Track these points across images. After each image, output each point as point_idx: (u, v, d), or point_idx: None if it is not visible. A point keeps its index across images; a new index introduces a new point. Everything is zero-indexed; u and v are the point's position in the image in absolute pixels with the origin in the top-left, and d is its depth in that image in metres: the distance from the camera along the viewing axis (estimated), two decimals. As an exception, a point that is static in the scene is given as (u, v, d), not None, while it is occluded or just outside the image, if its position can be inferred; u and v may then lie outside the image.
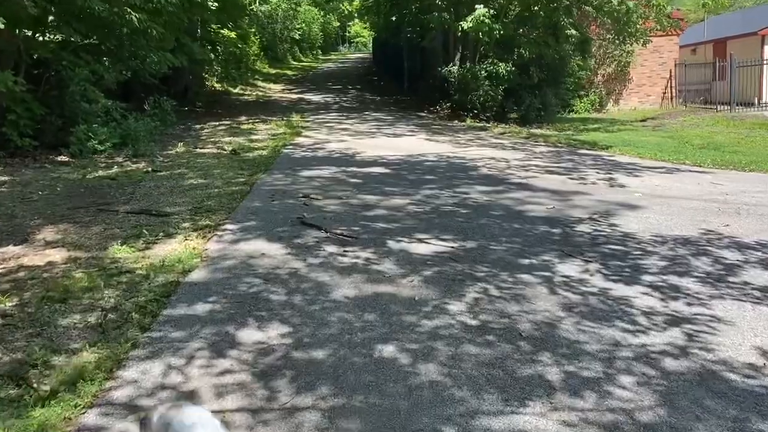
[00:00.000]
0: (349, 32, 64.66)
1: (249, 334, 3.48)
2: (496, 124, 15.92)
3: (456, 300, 3.99)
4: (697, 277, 4.52)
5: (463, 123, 15.96)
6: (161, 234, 5.53)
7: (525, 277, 4.45)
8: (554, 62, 17.01)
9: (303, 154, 10.64)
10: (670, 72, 23.14)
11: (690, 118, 18.43)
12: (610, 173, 9.07)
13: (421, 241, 5.35)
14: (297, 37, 40.42)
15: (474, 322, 3.64)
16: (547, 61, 16.62)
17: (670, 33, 20.88)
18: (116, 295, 4.14)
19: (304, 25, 41.49)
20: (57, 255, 5.09)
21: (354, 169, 9.11)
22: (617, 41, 20.07)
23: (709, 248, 5.24)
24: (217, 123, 14.94)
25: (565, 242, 5.39)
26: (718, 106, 19.95)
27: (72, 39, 11.62)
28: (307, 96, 22.93)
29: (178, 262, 4.71)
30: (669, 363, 3.18)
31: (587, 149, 11.94)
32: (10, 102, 9.42)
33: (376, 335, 3.46)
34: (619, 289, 4.24)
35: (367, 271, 4.55)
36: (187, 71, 17.47)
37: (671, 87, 23.24)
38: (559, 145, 12.63)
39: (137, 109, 13.09)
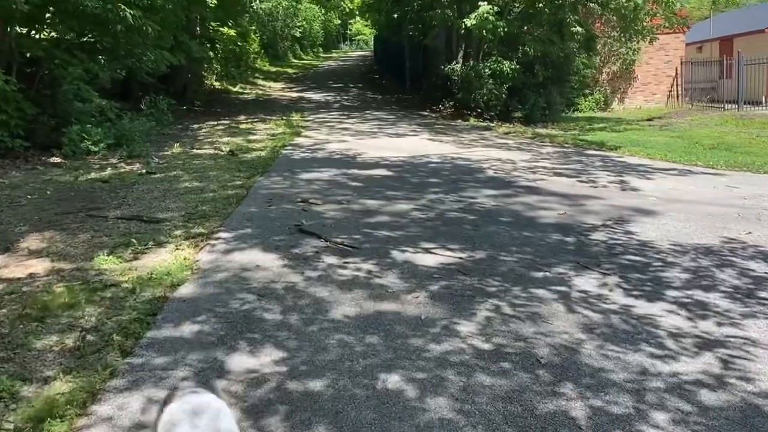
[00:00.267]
0: (351, 30, 64.28)
1: (240, 361, 3.15)
2: (500, 123, 15.59)
3: (466, 319, 3.67)
4: (724, 292, 4.20)
5: (466, 122, 15.64)
6: (151, 243, 5.21)
7: (539, 292, 4.13)
8: (559, 60, 16.66)
9: (302, 155, 10.32)
10: (676, 70, 22.76)
11: (697, 117, 18.08)
12: (620, 175, 8.74)
13: (426, 251, 5.03)
14: (298, 34, 40.08)
15: (487, 346, 3.32)
16: (551, 59, 16.28)
17: (676, 30, 20.50)
18: (98, 312, 3.82)
19: (305, 22, 41.13)
20: (39, 266, 4.78)
21: (355, 171, 8.79)
22: (623, 39, 19.69)
23: (734, 259, 4.92)
24: (216, 122, 14.62)
25: (579, 252, 5.07)
26: (725, 105, 19.59)
27: (67, 38, 11.34)
28: (308, 94, 22.61)
29: (166, 275, 4.40)
30: (706, 396, 2.86)
31: (595, 150, 11.61)
32: (1, 102, 9.10)
33: (379, 362, 3.14)
34: (642, 307, 3.92)
35: (369, 286, 4.23)
36: (185, 70, 17.17)
37: (677, 85, 22.85)
38: (566, 145, 12.30)
39: (135, 109, 12.81)
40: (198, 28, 18.51)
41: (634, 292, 4.17)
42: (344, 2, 43.95)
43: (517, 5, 16.35)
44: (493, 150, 11.26)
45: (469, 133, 13.68)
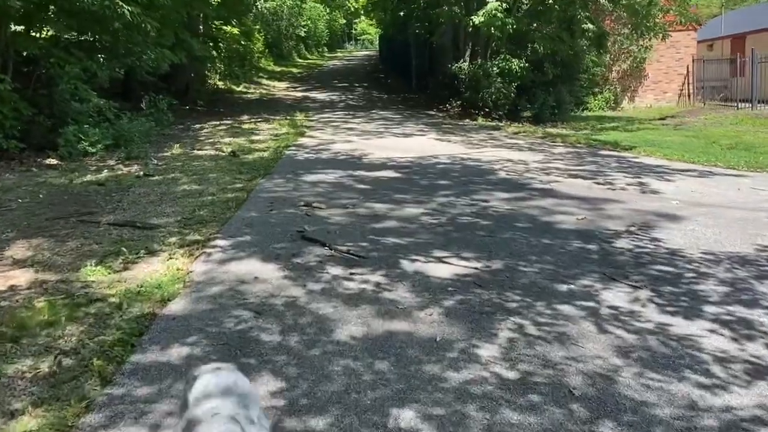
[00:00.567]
0: (356, 29, 63.89)
1: (232, 392, 2.79)
2: (508, 123, 15.22)
3: (486, 341, 3.29)
4: (768, 308, 3.81)
5: (474, 122, 15.27)
6: (143, 251, 4.85)
7: (565, 308, 3.75)
8: (569, 58, 16.26)
9: (306, 156, 9.96)
10: (688, 68, 22.28)
11: (711, 116, 17.61)
12: (639, 177, 8.35)
13: (439, 260, 4.66)
14: (302, 34, 39.77)
15: (512, 375, 2.94)
16: (561, 56, 15.87)
17: (688, 27, 20.05)
18: (79, 332, 3.47)
19: (309, 22, 40.81)
20: (22, 277, 4.44)
21: (361, 173, 8.42)
22: (634, 36, 19.25)
23: (773, 270, 4.53)
24: (218, 122, 14.28)
25: (604, 262, 4.68)
26: (739, 104, 19.10)
27: (66, 37, 11.01)
28: (312, 94, 22.27)
29: (157, 288, 4.04)
30: (768, 437, 2.48)
31: (609, 150, 11.21)
32: (-4, 102, 8.79)
33: (390, 394, 2.77)
34: (680, 325, 3.54)
35: (377, 301, 3.86)
36: (188, 69, 16.85)
37: (689, 83, 22.38)
38: (579, 145, 11.90)
39: (135, 109, 12.48)
40: (201, 27, 18.19)
41: (669, 308, 3.78)
42: (349, 1, 43.57)
43: (526, 2, 15.96)
44: (504, 150, 10.87)
45: (478, 133, 13.30)
